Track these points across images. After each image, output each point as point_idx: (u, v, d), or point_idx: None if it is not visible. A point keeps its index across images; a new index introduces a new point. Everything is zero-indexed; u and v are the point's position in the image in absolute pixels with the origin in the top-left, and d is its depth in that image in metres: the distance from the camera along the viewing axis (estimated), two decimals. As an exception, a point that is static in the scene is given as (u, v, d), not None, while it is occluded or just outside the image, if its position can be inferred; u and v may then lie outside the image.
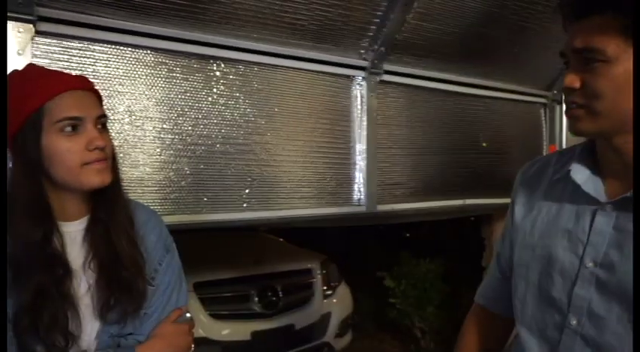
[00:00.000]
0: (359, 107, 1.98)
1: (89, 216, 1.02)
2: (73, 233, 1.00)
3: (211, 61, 1.65)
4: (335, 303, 3.38)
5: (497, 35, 2.16)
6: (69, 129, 0.93)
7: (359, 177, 2.00)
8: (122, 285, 0.99)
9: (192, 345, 1.11)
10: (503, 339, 1.17)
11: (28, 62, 1.19)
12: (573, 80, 0.85)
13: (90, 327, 0.99)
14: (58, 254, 0.95)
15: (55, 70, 1.07)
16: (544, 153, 2.62)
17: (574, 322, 0.89)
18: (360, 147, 1.99)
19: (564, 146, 2.64)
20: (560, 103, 2.66)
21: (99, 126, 0.97)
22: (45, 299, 0.91)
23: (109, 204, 1.02)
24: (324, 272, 3.42)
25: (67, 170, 0.94)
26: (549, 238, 0.95)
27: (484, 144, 2.42)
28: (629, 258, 0.83)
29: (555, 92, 2.62)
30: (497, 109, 2.47)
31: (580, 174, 0.92)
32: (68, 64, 1.40)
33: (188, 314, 1.11)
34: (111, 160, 1.00)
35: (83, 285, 0.99)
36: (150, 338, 1.04)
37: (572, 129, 0.89)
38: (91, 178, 0.95)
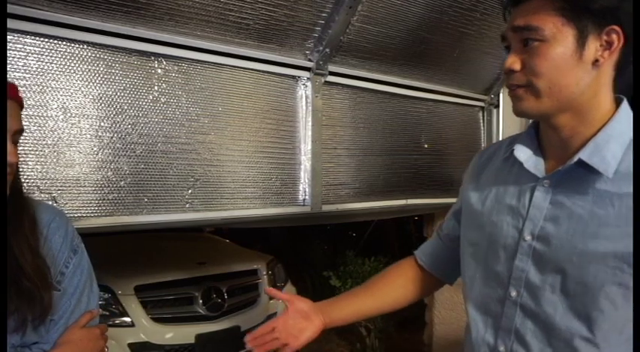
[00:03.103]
0: (304, 107, 1.99)
1: None
2: None
3: (152, 58, 1.60)
4: (281, 303, 3.38)
5: (438, 40, 2.22)
6: None
7: (304, 178, 2.00)
8: (23, 294, 0.93)
9: (106, 350, 1.06)
10: (422, 291, 1.24)
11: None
12: (514, 62, 0.89)
13: None
14: None
15: None
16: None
17: (514, 293, 0.94)
18: (305, 148, 2.00)
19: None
20: (497, 107, 2.78)
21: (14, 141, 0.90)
22: None
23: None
24: (270, 272, 3.41)
25: None
26: (496, 215, 0.99)
27: (426, 146, 2.49)
28: (562, 230, 0.89)
29: (493, 96, 2.73)
30: (438, 112, 2.54)
31: (523, 153, 0.97)
32: (-4, 56, 1.32)
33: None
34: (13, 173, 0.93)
35: None
36: (56, 346, 0.98)
37: (515, 110, 0.93)
38: None
